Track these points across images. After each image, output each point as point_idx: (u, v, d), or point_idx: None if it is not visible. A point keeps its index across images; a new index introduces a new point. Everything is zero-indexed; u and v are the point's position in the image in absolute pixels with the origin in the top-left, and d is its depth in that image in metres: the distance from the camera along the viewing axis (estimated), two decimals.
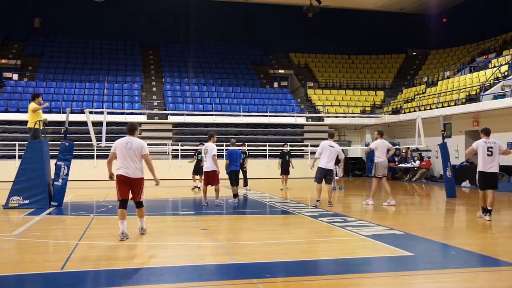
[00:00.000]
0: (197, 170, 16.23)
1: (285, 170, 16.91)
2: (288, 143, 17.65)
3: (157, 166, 7.62)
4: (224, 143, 22.92)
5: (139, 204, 7.74)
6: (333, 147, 11.75)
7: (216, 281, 5.36)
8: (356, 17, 32.15)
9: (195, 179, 16.68)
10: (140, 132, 7.62)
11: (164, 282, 5.36)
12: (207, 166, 11.75)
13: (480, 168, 9.74)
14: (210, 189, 12.07)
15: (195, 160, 16.33)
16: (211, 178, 11.77)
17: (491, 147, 9.66)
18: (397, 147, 23.45)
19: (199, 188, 16.30)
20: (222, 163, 12.78)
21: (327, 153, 11.68)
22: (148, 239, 7.74)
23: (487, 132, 9.89)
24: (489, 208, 9.58)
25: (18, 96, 24.78)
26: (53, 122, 19.96)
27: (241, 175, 15.79)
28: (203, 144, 16.54)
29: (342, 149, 18.01)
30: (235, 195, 12.92)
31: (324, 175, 11.76)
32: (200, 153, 16.31)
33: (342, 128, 27.02)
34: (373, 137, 26.35)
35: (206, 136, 11.10)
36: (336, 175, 17.48)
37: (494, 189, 9.77)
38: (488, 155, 9.63)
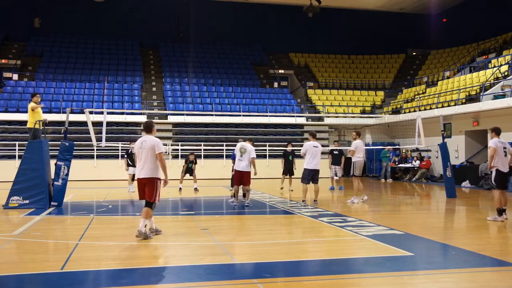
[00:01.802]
0: (186, 172, 16.47)
1: (289, 170, 16.59)
2: (292, 143, 17.50)
3: None
4: (224, 143, 22.94)
5: (146, 204, 7.55)
6: (316, 147, 11.94)
7: (216, 281, 5.36)
8: (356, 17, 32.15)
9: (183, 179, 16.68)
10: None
11: (164, 282, 5.36)
12: (243, 166, 11.67)
13: (499, 167, 9.57)
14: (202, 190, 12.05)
15: (185, 165, 16.44)
16: (245, 178, 11.76)
17: (505, 147, 9.65)
18: (397, 147, 23.50)
19: (196, 189, 16.35)
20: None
21: (312, 154, 11.86)
22: (147, 239, 7.73)
23: (498, 132, 9.80)
24: (504, 207, 9.55)
25: (18, 96, 24.78)
26: (53, 122, 19.95)
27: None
28: (193, 154, 16.59)
29: (342, 149, 18.15)
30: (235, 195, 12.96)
31: (312, 176, 11.94)
32: (191, 161, 16.34)
33: (342, 128, 27.02)
34: (372, 137, 26.55)
35: (204, 136, 11.20)
36: (336, 175, 17.49)
37: (506, 189, 9.80)
38: (504, 155, 9.61)
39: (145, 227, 7.49)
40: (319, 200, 12.36)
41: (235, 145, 12.88)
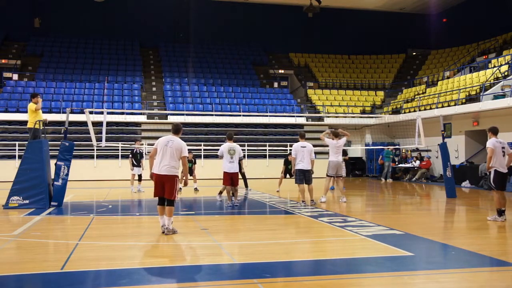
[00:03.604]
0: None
1: (288, 172, 16.57)
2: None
3: None
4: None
5: (169, 202, 7.89)
6: (304, 147, 12.02)
7: (216, 281, 5.36)
8: (356, 17, 32.15)
9: (183, 179, 16.54)
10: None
11: (164, 282, 5.36)
12: (235, 167, 11.68)
13: (497, 168, 9.42)
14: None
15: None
16: (236, 179, 11.82)
17: (504, 147, 9.51)
18: (397, 147, 23.51)
19: (196, 189, 16.31)
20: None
21: (300, 155, 11.99)
22: (148, 239, 7.75)
23: (496, 132, 9.67)
24: (503, 208, 9.44)
25: (18, 96, 24.78)
26: (53, 122, 19.94)
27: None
28: (191, 153, 16.53)
29: (345, 150, 18.15)
30: (221, 193, 13.12)
31: (303, 176, 12.01)
32: (190, 161, 16.23)
33: (342, 128, 27.00)
34: (372, 137, 26.54)
35: (204, 136, 11.11)
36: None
37: (504, 190, 9.67)
38: (502, 155, 9.47)
39: (171, 223, 7.92)
40: (316, 199, 12.35)
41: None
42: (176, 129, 8.19)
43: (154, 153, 8.06)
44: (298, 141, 12.42)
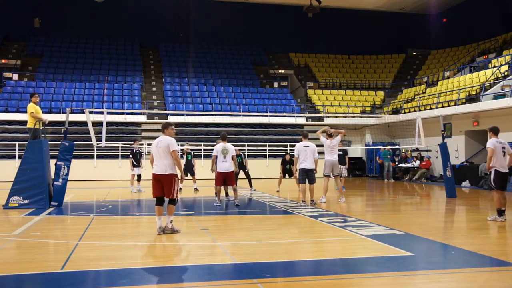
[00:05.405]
0: (186, 170, 15.85)
1: (287, 173, 16.58)
2: (290, 154, 17.45)
3: None
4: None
5: (170, 201, 7.96)
6: (307, 146, 12.07)
7: (216, 281, 5.36)
8: (356, 17, 32.18)
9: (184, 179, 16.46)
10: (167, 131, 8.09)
11: (164, 282, 5.36)
12: (227, 166, 11.65)
13: (498, 168, 9.39)
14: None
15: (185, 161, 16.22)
16: (230, 178, 11.81)
17: (504, 147, 9.48)
18: (397, 147, 23.51)
19: (196, 189, 16.29)
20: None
21: (303, 154, 12.04)
22: (148, 239, 7.75)
23: (496, 131, 9.61)
24: (503, 208, 9.41)
25: (18, 96, 24.79)
26: (53, 122, 19.92)
27: (243, 176, 15.78)
28: (188, 144, 16.47)
29: (346, 149, 18.13)
30: (217, 194, 13.11)
31: (306, 176, 12.05)
32: (189, 153, 16.20)
33: (342, 128, 26.99)
34: (372, 137, 26.55)
35: (204, 136, 11.15)
36: (341, 176, 17.46)
37: (505, 190, 9.64)
38: (502, 155, 9.43)
39: (171, 222, 7.96)
40: (316, 200, 12.34)
41: (235, 145, 12.86)
42: (162, 127, 8.21)
43: (151, 157, 8.25)
44: (300, 141, 12.43)
